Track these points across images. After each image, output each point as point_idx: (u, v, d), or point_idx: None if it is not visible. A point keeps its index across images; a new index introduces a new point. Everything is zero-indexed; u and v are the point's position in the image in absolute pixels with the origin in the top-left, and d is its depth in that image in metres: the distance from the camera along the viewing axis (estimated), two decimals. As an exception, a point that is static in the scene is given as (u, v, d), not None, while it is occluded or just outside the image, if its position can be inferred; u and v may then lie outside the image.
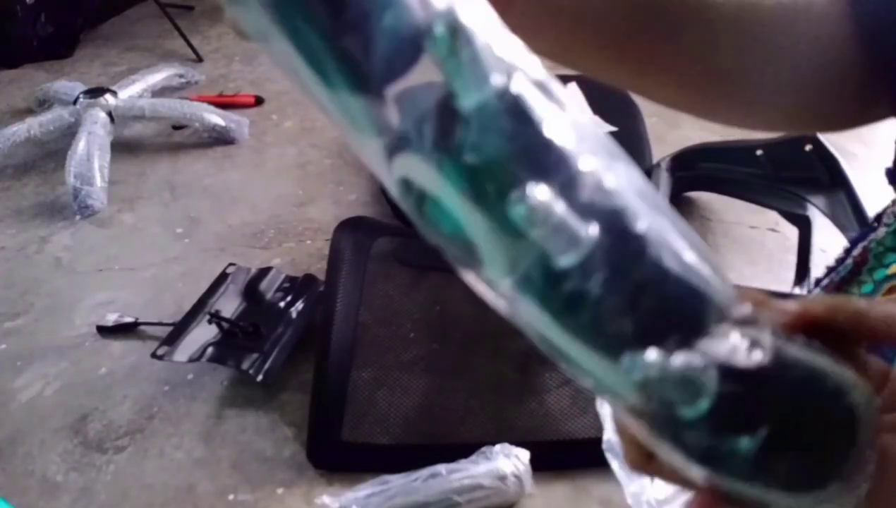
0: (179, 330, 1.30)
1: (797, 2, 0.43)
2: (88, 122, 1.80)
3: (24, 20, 2.29)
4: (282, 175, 1.82)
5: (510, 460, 1.04)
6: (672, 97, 0.45)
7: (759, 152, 1.41)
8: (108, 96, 1.89)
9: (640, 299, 0.24)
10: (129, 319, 1.37)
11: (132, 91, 1.98)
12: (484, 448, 1.06)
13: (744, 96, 0.44)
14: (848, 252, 0.49)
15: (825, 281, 0.51)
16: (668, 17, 0.40)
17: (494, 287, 0.26)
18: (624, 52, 0.42)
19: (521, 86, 0.25)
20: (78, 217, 1.69)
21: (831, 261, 0.51)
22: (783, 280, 1.40)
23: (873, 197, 1.32)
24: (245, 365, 1.23)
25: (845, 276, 0.48)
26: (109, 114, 1.86)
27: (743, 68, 0.43)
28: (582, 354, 0.26)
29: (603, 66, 0.41)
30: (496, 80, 0.25)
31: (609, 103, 1.66)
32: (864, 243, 0.47)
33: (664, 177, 1.51)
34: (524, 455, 1.05)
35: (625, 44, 0.41)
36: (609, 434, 1.03)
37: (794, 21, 0.43)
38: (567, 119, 0.25)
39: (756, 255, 1.51)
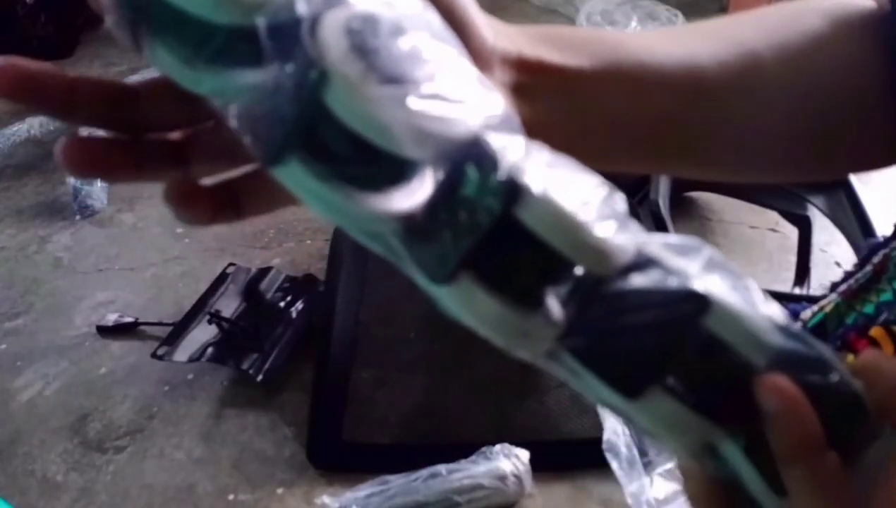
0: (179, 330, 1.30)
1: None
2: (88, 122, 1.80)
3: (25, 20, 2.29)
4: (282, 175, 1.81)
5: (510, 460, 1.04)
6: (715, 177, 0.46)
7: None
8: (107, 96, 1.88)
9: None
10: (129, 319, 1.37)
11: (132, 91, 1.97)
12: (484, 448, 1.06)
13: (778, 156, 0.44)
14: (867, 259, 0.48)
15: (843, 287, 0.50)
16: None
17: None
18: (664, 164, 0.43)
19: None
20: (78, 217, 1.69)
21: (841, 263, 0.51)
22: (783, 280, 1.40)
23: (874, 196, 1.32)
24: (245, 365, 1.23)
25: (864, 284, 0.47)
26: (109, 114, 1.85)
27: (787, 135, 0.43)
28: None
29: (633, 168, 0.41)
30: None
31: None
32: (886, 251, 0.46)
33: (664, 177, 1.51)
34: (524, 455, 1.05)
35: (664, 162, 0.42)
36: (609, 434, 1.03)
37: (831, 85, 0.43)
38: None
39: (756, 255, 1.51)
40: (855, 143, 0.45)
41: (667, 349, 0.24)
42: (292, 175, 0.23)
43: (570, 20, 2.26)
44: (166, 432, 1.19)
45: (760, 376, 0.24)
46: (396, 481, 1.04)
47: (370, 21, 0.23)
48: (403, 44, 0.23)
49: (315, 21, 0.22)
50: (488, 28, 0.32)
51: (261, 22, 0.22)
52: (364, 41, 0.22)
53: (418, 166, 0.23)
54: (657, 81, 0.38)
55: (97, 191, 1.70)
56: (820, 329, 0.52)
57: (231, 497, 1.09)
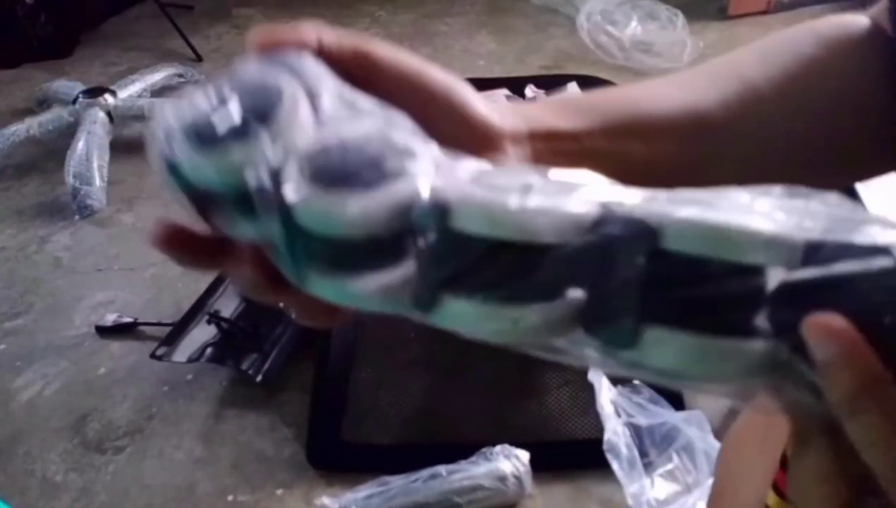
0: (179, 330, 1.30)
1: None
2: (87, 122, 1.80)
3: (24, 20, 2.29)
4: (282, 175, 1.81)
5: (510, 461, 1.04)
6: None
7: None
8: (107, 96, 1.88)
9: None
10: (128, 319, 1.37)
11: (132, 91, 1.98)
12: (484, 449, 1.05)
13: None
14: None
15: None
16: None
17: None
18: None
19: None
20: (77, 217, 1.68)
21: None
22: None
23: (875, 195, 1.31)
24: (244, 366, 1.22)
25: None
26: (109, 114, 1.85)
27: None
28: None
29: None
30: None
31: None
32: None
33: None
34: (524, 455, 1.05)
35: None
36: (609, 435, 1.03)
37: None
38: None
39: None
40: (860, 158, 0.47)
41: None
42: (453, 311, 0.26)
43: (570, 19, 2.26)
44: (166, 432, 1.19)
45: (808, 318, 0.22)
46: (396, 482, 1.04)
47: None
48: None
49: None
50: (493, 112, 0.33)
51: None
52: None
53: (553, 250, 0.25)
54: (664, 130, 0.40)
55: (97, 191, 1.70)
56: None
57: (230, 497, 1.09)
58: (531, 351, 0.28)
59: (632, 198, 0.26)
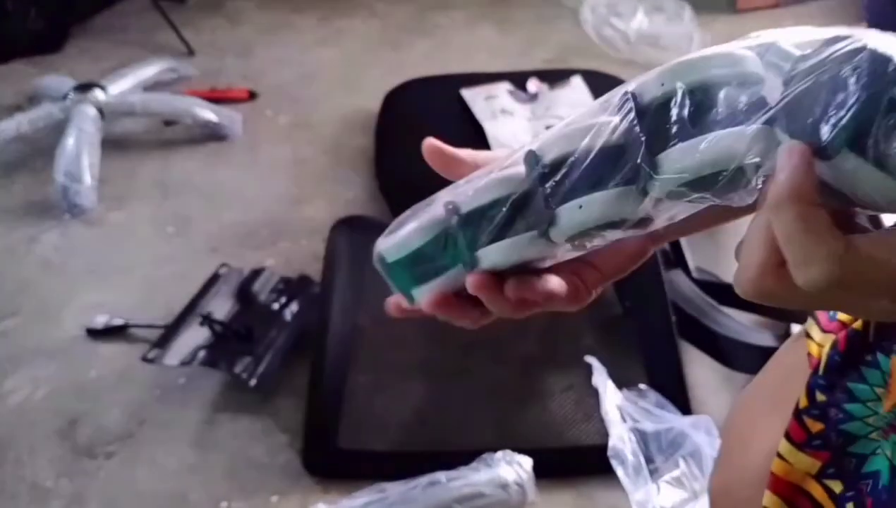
0: (170, 332, 1.28)
1: None
2: (78, 119, 1.78)
3: (14, 14, 2.27)
4: (276, 172, 1.79)
5: (512, 467, 1.03)
6: None
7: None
8: (97, 92, 1.86)
9: None
10: (119, 321, 1.35)
11: (122, 86, 1.95)
12: (485, 455, 1.04)
13: None
14: None
15: None
16: None
17: None
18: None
19: None
20: (67, 216, 1.66)
21: None
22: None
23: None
24: (238, 369, 1.21)
25: None
26: (100, 111, 1.83)
27: None
28: None
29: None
30: None
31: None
32: None
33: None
34: (527, 462, 1.03)
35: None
36: (614, 441, 1.01)
37: None
38: None
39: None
40: None
41: None
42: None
43: (574, 11, 2.24)
44: (158, 438, 1.17)
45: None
46: (394, 489, 1.02)
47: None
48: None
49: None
50: None
51: None
52: None
53: None
54: None
55: (86, 189, 1.68)
56: None
57: (224, 504, 1.08)
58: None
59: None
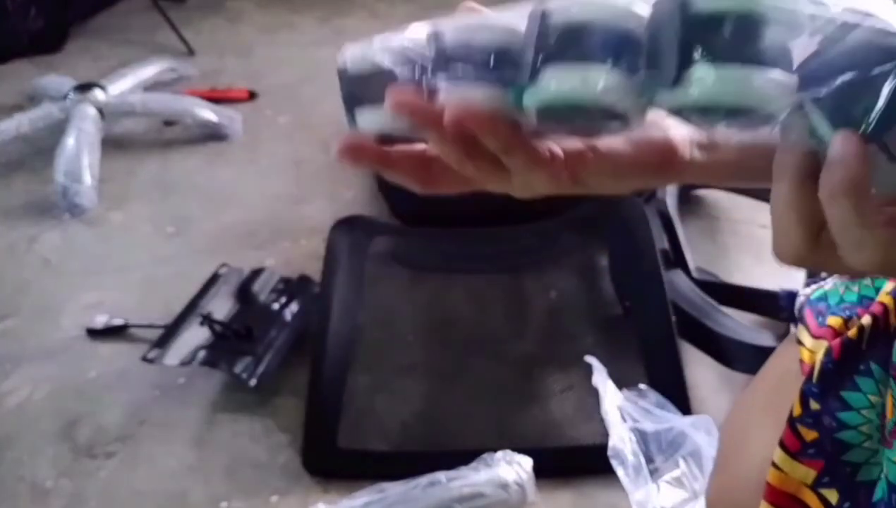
0: (170, 332, 1.28)
1: None
2: (78, 119, 1.78)
3: (14, 14, 2.27)
4: (276, 172, 1.79)
5: (512, 467, 1.02)
6: None
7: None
8: (97, 91, 1.86)
9: None
10: (118, 321, 1.35)
11: (123, 86, 1.95)
12: (485, 455, 1.04)
13: None
14: None
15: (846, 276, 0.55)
16: None
17: None
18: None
19: None
20: (67, 215, 1.66)
21: None
22: (792, 279, 1.38)
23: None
24: (238, 369, 1.20)
25: None
26: (100, 111, 1.83)
27: None
28: None
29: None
30: None
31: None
32: None
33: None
34: (527, 461, 1.03)
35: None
36: (614, 441, 1.01)
37: None
38: None
39: (765, 254, 1.47)
40: None
41: None
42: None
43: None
44: (157, 438, 1.17)
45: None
46: (394, 489, 1.02)
47: None
48: None
49: None
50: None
51: None
52: None
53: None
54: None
55: (86, 189, 1.68)
56: (822, 300, 0.59)
57: (224, 504, 1.08)
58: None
59: None
